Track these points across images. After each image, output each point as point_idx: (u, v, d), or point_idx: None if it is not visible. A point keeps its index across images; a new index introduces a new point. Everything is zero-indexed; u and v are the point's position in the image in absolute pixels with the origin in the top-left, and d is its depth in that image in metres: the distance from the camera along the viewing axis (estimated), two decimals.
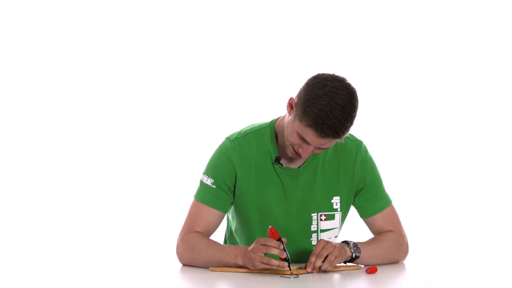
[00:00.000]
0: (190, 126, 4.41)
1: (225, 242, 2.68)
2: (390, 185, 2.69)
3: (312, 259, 2.29)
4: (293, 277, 2.21)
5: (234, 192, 2.49)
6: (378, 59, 4.43)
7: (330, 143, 2.32)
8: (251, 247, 2.28)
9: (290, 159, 2.48)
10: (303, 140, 2.32)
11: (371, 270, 2.31)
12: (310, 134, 2.29)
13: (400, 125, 4.47)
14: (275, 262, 2.24)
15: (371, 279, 2.24)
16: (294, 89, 2.49)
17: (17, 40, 4.32)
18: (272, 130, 2.50)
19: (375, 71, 4.43)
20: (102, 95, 4.40)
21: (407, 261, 2.56)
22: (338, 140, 2.33)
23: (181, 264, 2.45)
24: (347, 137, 2.53)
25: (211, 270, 2.31)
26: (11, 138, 4.34)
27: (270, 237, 2.25)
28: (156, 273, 2.32)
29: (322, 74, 2.33)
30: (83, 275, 2.31)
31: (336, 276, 2.27)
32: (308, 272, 2.28)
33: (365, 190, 2.54)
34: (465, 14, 4.43)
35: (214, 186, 2.47)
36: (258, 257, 2.25)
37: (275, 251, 2.24)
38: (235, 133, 2.52)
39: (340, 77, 2.32)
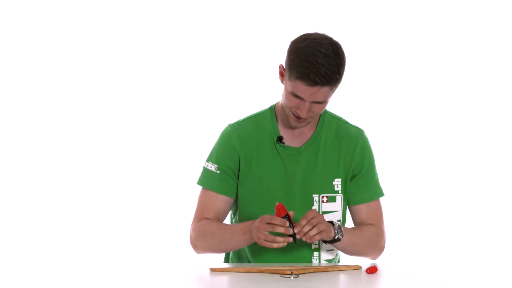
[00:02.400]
0: (190, 126, 4.41)
1: None
2: (391, 185, 2.70)
3: (303, 222, 2.28)
4: (293, 277, 2.21)
5: (238, 175, 2.51)
6: (378, 59, 4.42)
7: (321, 92, 2.32)
8: (256, 225, 2.29)
9: (292, 139, 2.50)
10: (297, 97, 2.34)
11: (371, 270, 2.31)
12: (300, 87, 2.31)
13: (399, 125, 4.47)
14: (280, 239, 2.25)
15: (371, 279, 2.24)
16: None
17: (17, 40, 4.32)
18: (273, 112, 2.54)
19: (375, 71, 4.43)
20: (100, 94, 4.40)
21: (407, 261, 2.56)
22: (329, 90, 2.32)
23: (197, 254, 2.50)
24: (350, 124, 2.58)
25: (211, 270, 2.31)
26: (11, 138, 4.35)
27: (276, 214, 2.26)
28: (156, 273, 2.32)
29: (303, 33, 2.38)
30: (83, 275, 2.31)
31: (336, 276, 2.27)
32: (311, 272, 2.28)
33: (358, 177, 2.55)
34: (466, 13, 4.43)
35: (219, 171, 2.50)
36: (263, 236, 2.26)
37: (280, 229, 2.25)
38: (237, 120, 2.57)
39: (322, 32, 2.37)
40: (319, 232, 2.29)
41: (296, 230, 2.28)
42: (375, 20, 4.41)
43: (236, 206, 2.58)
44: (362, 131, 2.59)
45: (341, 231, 2.39)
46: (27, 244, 4.28)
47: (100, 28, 4.38)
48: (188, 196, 2.75)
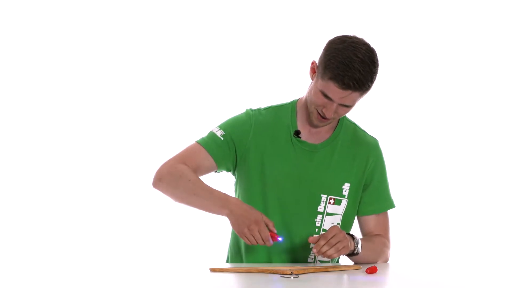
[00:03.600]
0: (191, 126, 4.41)
1: (233, 237, 2.67)
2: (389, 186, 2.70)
3: (322, 242, 2.31)
4: (293, 277, 2.21)
5: (243, 160, 2.50)
6: (383, 60, 4.42)
7: (351, 96, 2.34)
8: (248, 218, 2.31)
9: (310, 136, 2.51)
10: (327, 97, 2.36)
11: (371, 270, 2.31)
12: (332, 87, 2.33)
13: (398, 127, 4.47)
14: (256, 241, 2.31)
15: (371, 279, 2.24)
16: (295, 89, 2.51)
17: (17, 40, 4.32)
18: (294, 107, 2.55)
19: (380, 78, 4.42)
20: (101, 95, 4.41)
21: (406, 261, 2.57)
22: (359, 96, 2.35)
23: (153, 188, 2.48)
24: (367, 133, 2.60)
25: (211, 270, 2.31)
26: (11, 138, 4.35)
27: (270, 234, 2.29)
28: (155, 273, 2.32)
29: (342, 35, 2.40)
30: (82, 275, 2.31)
31: (336, 276, 2.27)
32: (312, 272, 2.28)
33: (370, 188, 2.57)
34: (466, 13, 4.43)
35: (222, 138, 2.50)
36: (246, 232, 2.30)
37: (260, 242, 2.31)
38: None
39: (359, 37, 2.39)
40: (339, 251, 2.33)
41: (314, 250, 2.32)
42: (384, 25, 4.42)
43: (237, 189, 2.58)
44: (378, 141, 2.61)
45: (360, 245, 2.42)
46: (27, 244, 4.28)
47: (110, 28, 4.39)
48: None
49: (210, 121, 4.31)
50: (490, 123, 4.46)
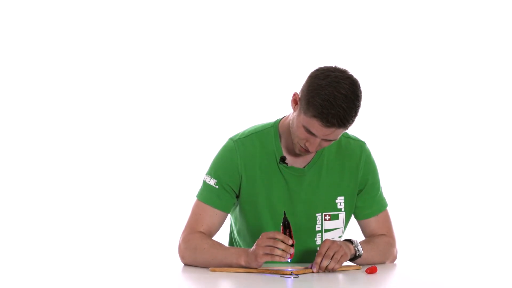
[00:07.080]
0: (193, 126, 4.41)
1: (230, 244, 2.68)
2: (388, 186, 2.69)
3: (318, 259, 2.29)
4: (293, 277, 2.21)
5: (239, 192, 2.50)
6: (379, 60, 4.42)
7: (336, 133, 2.32)
8: (256, 242, 2.28)
9: (295, 159, 2.49)
10: (310, 132, 2.33)
11: (371, 270, 2.31)
12: (315, 125, 2.30)
13: (397, 127, 4.46)
14: (278, 252, 2.23)
15: (371, 279, 2.24)
16: (296, 89, 2.50)
17: (17, 40, 4.32)
18: (276, 130, 2.50)
19: (374, 72, 4.42)
20: (104, 97, 4.40)
21: (407, 262, 2.56)
22: (343, 130, 2.33)
23: (183, 264, 2.45)
24: (351, 138, 2.56)
25: (211, 270, 2.32)
26: (12, 139, 4.34)
27: (281, 230, 2.26)
28: (156, 273, 2.32)
29: (324, 67, 2.35)
30: (84, 275, 2.31)
31: (336, 276, 2.27)
32: (312, 272, 2.28)
33: (364, 191, 2.55)
34: (466, 13, 4.42)
35: (217, 187, 2.48)
36: (261, 249, 2.25)
37: (282, 246, 2.23)
38: (238, 134, 2.53)
39: (342, 68, 2.34)
40: (338, 261, 2.30)
41: (314, 270, 2.29)
42: (376, 27, 4.41)
43: (235, 218, 2.58)
44: (364, 143, 2.57)
45: (360, 247, 2.40)
46: (27, 244, 4.28)
47: (109, 30, 4.39)
48: (187, 197, 2.74)
49: (209, 121, 4.36)
50: (492, 122, 4.46)
